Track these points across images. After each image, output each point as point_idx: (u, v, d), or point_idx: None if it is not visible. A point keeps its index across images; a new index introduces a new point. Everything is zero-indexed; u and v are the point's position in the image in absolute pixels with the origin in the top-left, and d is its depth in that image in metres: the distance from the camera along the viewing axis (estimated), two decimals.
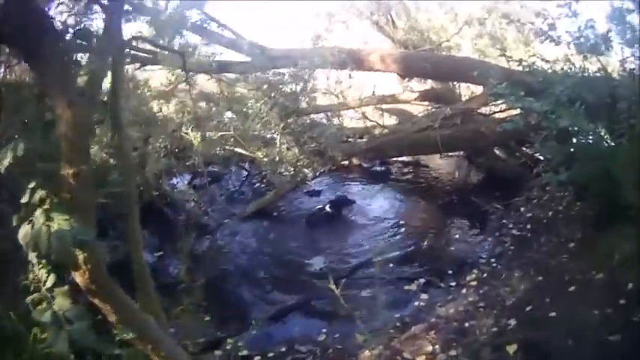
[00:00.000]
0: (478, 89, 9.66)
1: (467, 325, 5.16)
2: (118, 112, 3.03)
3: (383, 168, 11.70)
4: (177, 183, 9.85)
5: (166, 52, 7.41)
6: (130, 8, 6.87)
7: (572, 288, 4.92)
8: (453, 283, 6.40)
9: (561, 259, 5.60)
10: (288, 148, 8.53)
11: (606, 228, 5.51)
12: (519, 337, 4.49)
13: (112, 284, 2.61)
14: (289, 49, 9.67)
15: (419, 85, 11.63)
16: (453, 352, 4.69)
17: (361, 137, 10.87)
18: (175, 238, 7.36)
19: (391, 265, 7.24)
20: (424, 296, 6.11)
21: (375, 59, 9.76)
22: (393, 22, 12.08)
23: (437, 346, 4.87)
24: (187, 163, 9.18)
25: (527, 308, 4.97)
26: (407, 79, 11.03)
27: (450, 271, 6.77)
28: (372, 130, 11.10)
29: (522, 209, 7.51)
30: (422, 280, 6.47)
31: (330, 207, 8.92)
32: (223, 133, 8.84)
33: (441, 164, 11.55)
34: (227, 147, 8.97)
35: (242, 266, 7.61)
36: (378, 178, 11.30)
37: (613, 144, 6.10)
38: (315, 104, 9.88)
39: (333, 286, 4.49)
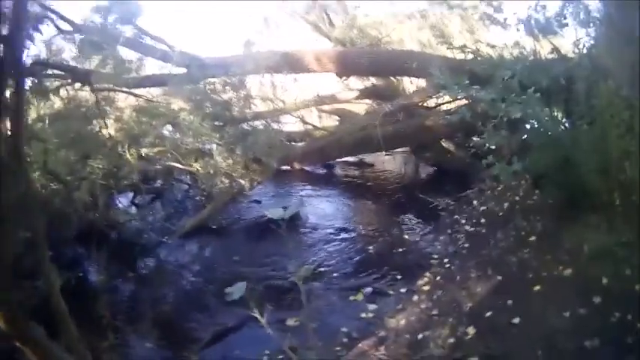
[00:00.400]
0: (423, 83, 9.01)
1: (420, 336, 4.44)
2: (21, 146, 2.93)
3: (326, 170, 11.14)
4: (119, 203, 9.05)
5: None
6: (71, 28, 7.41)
7: (537, 288, 4.21)
8: (404, 290, 5.64)
9: (522, 255, 4.91)
10: (223, 159, 8.00)
11: (571, 219, 4.87)
12: (480, 348, 3.83)
13: (32, 329, 2.64)
14: (223, 57, 8.99)
15: (361, 84, 10.92)
16: None
17: (301, 141, 10.13)
18: (116, 259, 7.00)
19: (335, 274, 6.50)
20: (372, 307, 5.37)
21: (310, 60, 9.14)
22: (329, 20, 11.36)
23: None
24: (126, 182, 8.45)
25: (487, 314, 4.26)
26: (345, 77, 10.29)
27: (400, 277, 6.01)
28: (314, 133, 10.62)
29: (475, 203, 6.88)
30: (369, 289, 5.86)
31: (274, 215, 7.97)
32: (159, 148, 8.35)
33: (387, 162, 10.88)
34: (164, 162, 8.52)
35: (182, 288, 6.69)
36: (322, 181, 10.51)
37: (571, 128, 5.53)
38: (250, 111, 9.23)
39: (257, 314, 3.61)
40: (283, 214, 4.65)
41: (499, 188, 6.95)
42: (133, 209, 9.21)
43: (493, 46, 6.45)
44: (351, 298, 5.69)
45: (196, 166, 8.14)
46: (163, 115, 8.32)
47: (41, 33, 6.67)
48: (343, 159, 11.21)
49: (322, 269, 6.66)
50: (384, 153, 10.89)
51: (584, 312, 3.68)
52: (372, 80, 10.62)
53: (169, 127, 8.55)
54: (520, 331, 3.84)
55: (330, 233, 7.85)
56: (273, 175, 9.30)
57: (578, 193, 4.88)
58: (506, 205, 6.32)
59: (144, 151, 8.21)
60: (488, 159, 5.44)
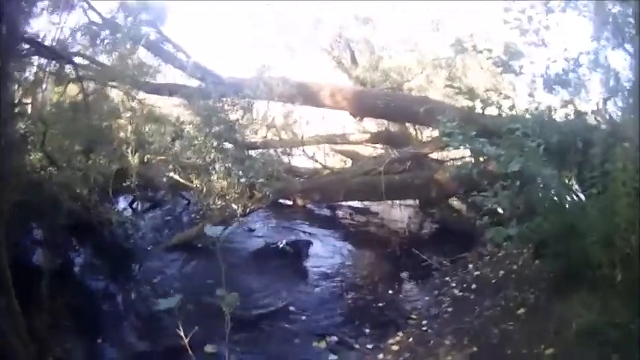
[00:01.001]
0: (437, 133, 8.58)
1: None
2: None
3: (329, 212, 10.55)
4: (117, 203, 9.06)
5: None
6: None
7: None
8: (370, 346, 5.02)
9: (506, 327, 4.24)
10: (220, 180, 7.91)
11: (565, 293, 4.21)
12: None
13: None
14: (237, 77, 8.99)
15: (376, 127, 10.58)
16: None
17: (306, 177, 9.72)
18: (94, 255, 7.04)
19: (304, 316, 5.95)
20: (332, 357, 4.89)
21: (324, 94, 8.90)
22: (353, 57, 11.14)
23: None
24: (126, 184, 8.55)
25: None
26: (359, 118, 9.95)
27: (371, 331, 5.38)
28: (320, 170, 10.17)
29: (470, 267, 6.25)
30: (334, 338, 5.34)
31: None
32: (162, 157, 8.54)
33: (393, 213, 10.28)
34: (166, 172, 8.59)
35: (128, 294, 6.37)
36: (322, 221, 10.00)
37: (582, 196, 4.94)
38: (256, 137, 9.16)
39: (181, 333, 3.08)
40: (219, 232, 4.11)
41: (499, 254, 6.30)
42: (129, 212, 9.04)
43: (507, 97, 5.91)
44: (314, 344, 5.20)
45: (196, 182, 8.10)
46: (171, 124, 8.55)
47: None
48: (349, 204, 10.73)
49: (292, 308, 6.17)
50: (390, 203, 10.52)
51: None
52: (387, 125, 10.23)
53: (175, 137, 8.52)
54: None
55: (313, 274, 7.26)
56: (270, 205, 9.07)
57: (578, 265, 4.27)
58: (501, 272, 5.67)
59: (147, 156, 8.38)
60: (484, 220, 4.86)
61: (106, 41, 7.88)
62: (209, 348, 4.21)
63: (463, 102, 8.33)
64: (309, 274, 7.38)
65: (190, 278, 7.02)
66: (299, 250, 7.72)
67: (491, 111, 6.36)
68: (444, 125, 5.90)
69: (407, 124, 10.28)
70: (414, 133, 10.17)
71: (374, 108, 8.87)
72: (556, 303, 4.27)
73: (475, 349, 4.15)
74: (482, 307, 5.00)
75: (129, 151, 8.27)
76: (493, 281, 5.56)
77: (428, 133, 10.07)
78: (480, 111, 6.47)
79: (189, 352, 3.22)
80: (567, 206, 4.78)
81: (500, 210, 5.11)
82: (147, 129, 8.93)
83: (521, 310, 4.53)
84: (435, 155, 9.29)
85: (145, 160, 8.73)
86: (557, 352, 3.52)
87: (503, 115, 5.80)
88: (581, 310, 3.83)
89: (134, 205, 9.54)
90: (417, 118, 8.76)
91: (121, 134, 8.51)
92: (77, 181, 7.04)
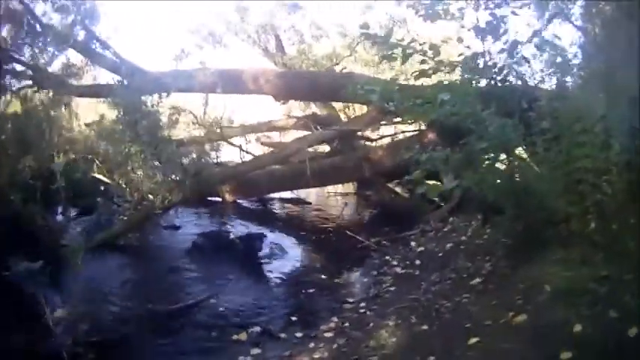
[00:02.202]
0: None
1: None
2: None
3: (259, 205, 9.62)
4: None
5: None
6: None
7: (474, 340, 2.72)
8: (299, 334, 4.17)
9: (460, 300, 3.46)
10: (138, 173, 7.22)
11: (528, 256, 3.49)
12: None
13: None
14: (164, 71, 8.12)
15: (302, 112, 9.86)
16: None
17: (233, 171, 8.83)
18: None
19: (227, 309, 5.01)
20: (255, 350, 3.98)
21: (246, 79, 8.05)
22: (281, 45, 10.36)
23: None
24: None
25: None
26: (283, 101, 9.17)
27: (300, 320, 4.53)
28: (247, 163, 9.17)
29: (413, 244, 5.47)
30: (257, 329, 4.43)
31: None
32: (85, 155, 7.87)
33: (329, 202, 9.60)
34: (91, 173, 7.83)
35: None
36: (253, 215, 9.02)
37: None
38: (182, 133, 8.76)
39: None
40: None
41: (445, 229, 5.59)
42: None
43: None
44: (234, 337, 4.30)
45: (117, 178, 7.39)
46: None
47: None
48: (280, 195, 9.84)
49: (213, 301, 5.20)
50: (326, 193, 9.83)
51: None
52: (313, 108, 9.51)
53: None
54: None
55: (243, 267, 6.27)
56: (199, 203, 8.59)
57: (539, 225, 3.57)
58: (448, 246, 4.94)
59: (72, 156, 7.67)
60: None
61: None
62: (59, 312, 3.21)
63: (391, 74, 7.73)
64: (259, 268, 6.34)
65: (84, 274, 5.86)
66: (252, 243, 6.77)
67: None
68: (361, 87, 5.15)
69: (336, 108, 9.56)
70: (343, 116, 9.39)
71: (297, 89, 8.11)
72: (518, 268, 3.55)
73: (425, 327, 3.29)
74: (429, 282, 4.22)
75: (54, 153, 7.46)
76: (439, 255, 4.80)
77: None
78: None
79: None
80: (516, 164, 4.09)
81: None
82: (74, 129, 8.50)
83: (477, 280, 3.78)
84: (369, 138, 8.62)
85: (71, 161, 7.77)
86: (530, 317, 2.73)
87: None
88: (555, 269, 3.09)
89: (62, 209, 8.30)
90: (342, 96, 8.05)
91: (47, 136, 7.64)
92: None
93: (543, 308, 2.78)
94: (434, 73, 5.03)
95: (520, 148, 4.33)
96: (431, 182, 4.23)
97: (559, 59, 4.73)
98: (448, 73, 4.87)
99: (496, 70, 4.51)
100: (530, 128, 4.05)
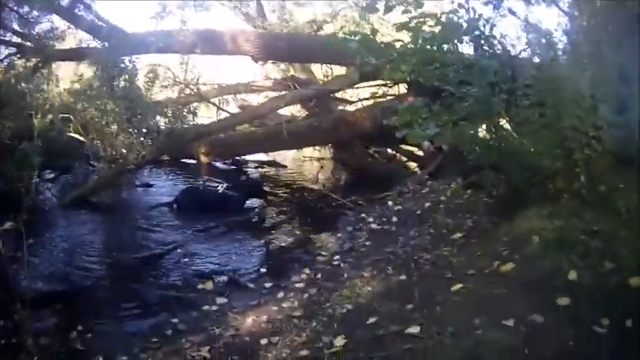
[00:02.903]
0: None
1: (264, 342, 2.83)
2: None
3: (234, 167, 9.32)
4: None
5: None
6: None
7: (458, 286, 2.56)
8: (268, 285, 3.99)
9: (440, 252, 3.30)
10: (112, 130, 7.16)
11: (511, 211, 3.36)
12: None
13: None
14: (144, 32, 8.03)
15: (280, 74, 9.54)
16: None
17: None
18: None
19: (194, 260, 4.98)
20: (221, 300, 3.75)
21: (226, 40, 7.76)
22: (261, 10, 9.97)
23: None
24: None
25: (370, 320, 2.51)
26: (262, 62, 8.86)
27: (269, 270, 4.34)
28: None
29: (390, 203, 5.29)
30: (223, 278, 4.33)
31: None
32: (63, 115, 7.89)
33: (305, 165, 9.39)
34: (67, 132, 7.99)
35: None
36: (229, 176, 8.78)
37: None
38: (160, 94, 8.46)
39: None
40: None
41: (423, 191, 5.43)
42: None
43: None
44: (199, 285, 4.11)
45: (92, 135, 7.42)
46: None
47: None
48: (255, 157, 9.58)
49: (179, 251, 5.19)
50: (302, 158, 9.58)
51: (538, 318, 2.06)
52: (292, 70, 9.23)
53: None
54: (418, 345, 2.14)
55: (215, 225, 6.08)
56: (174, 165, 8.81)
57: (523, 180, 3.46)
58: (427, 205, 4.77)
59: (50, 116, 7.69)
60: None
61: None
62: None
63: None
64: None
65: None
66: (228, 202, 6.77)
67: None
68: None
69: (315, 74, 9.28)
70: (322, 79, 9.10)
71: (276, 50, 7.81)
72: (501, 223, 3.40)
73: (403, 277, 3.12)
74: (407, 237, 4.05)
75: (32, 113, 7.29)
76: (417, 213, 4.64)
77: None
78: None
79: None
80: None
81: None
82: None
83: (458, 235, 3.61)
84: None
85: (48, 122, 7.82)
86: (518, 266, 2.58)
87: None
88: (543, 222, 2.95)
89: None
90: (321, 57, 7.90)
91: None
92: None
93: (532, 258, 2.63)
94: (417, 26, 4.82)
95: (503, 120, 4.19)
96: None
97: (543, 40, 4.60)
98: (431, 27, 4.65)
99: (482, 29, 4.30)
100: (514, 95, 3.91)
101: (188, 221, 6.16)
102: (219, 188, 7.09)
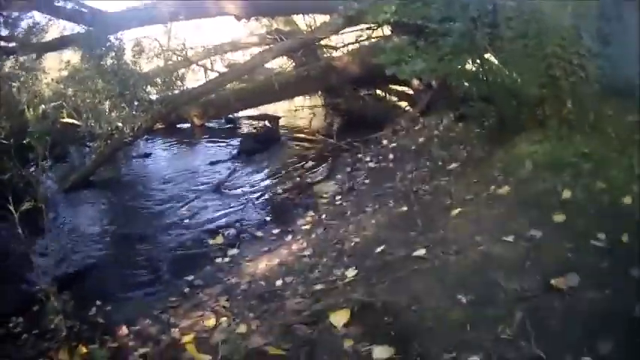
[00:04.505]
0: None
1: (279, 283, 3.00)
2: None
3: (230, 125, 9.59)
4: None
5: None
6: None
7: (457, 211, 2.71)
8: (276, 231, 4.14)
9: (438, 183, 3.44)
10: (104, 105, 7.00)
11: (503, 140, 3.51)
12: (356, 295, 2.28)
13: None
14: (126, 10, 7.77)
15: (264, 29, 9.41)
16: (243, 327, 2.45)
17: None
18: None
19: (189, 218, 5.07)
20: (232, 251, 3.93)
21: (208, 2, 7.59)
22: None
23: (223, 318, 2.70)
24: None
25: (378, 249, 2.68)
26: (245, 20, 8.70)
27: (275, 218, 4.54)
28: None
29: (385, 142, 5.41)
30: (231, 231, 4.45)
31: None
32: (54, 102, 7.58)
33: (298, 115, 9.49)
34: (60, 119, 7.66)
35: None
36: (224, 134, 8.88)
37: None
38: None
39: None
40: None
41: (416, 127, 5.54)
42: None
43: None
44: (210, 241, 4.28)
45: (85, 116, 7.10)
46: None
47: None
48: (247, 113, 9.57)
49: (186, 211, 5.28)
50: (293, 108, 9.67)
51: (537, 233, 2.22)
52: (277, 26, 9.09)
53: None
54: (425, 268, 2.31)
55: (209, 180, 6.30)
56: (168, 131, 8.75)
57: (512, 108, 3.58)
58: (421, 140, 4.89)
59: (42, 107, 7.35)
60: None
61: None
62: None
63: None
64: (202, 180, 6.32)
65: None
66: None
67: None
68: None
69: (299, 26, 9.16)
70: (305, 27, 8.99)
71: (258, 6, 7.66)
72: (497, 152, 3.53)
73: (405, 208, 3.27)
74: (405, 172, 4.19)
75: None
76: (413, 148, 4.76)
77: None
78: None
79: None
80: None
81: None
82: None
83: (454, 165, 3.76)
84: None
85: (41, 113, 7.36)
86: (513, 189, 2.73)
87: None
88: (534, 147, 3.08)
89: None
90: (303, 8, 7.91)
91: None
92: None
93: (527, 181, 2.77)
94: None
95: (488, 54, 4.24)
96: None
97: None
98: None
99: None
100: (497, 28, 3.95)
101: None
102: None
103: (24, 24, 7.79)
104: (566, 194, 2.42)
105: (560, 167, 2.70)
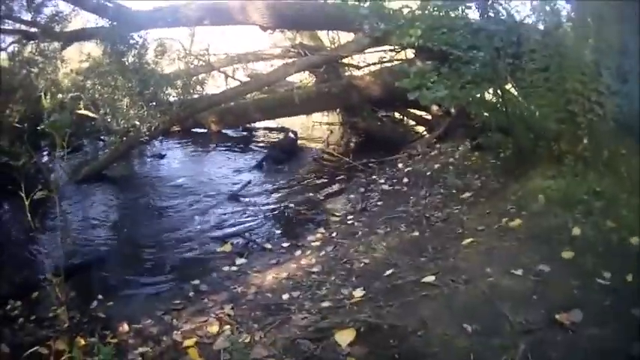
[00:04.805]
0: None
1: (285, 297, 3.00)
2: None
3: (245, 134, 9.65)
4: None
5: None
6: None
7: (468, 240, 2.74)
8: (286, 244, 4.16)
9: (451, 211, 3.48)
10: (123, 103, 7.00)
11: (520, 174, 3.49)
12: (362, 317, 2.30)
13: None
14: (152, 9, 7.73)
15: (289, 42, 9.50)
16: (246, 337, 2.49)
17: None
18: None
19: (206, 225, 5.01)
20: (240, 260, 3.93)
21: (234, 10, 7.71)
22: None
23: (227, 326, 2.74)
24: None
25: (387, 272, 2.74)
26: (270, 31, 8.84)
27: (285, 231, 4.59)
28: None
29: (400, 165, 5.46)
30: (240, 240, 4.45)
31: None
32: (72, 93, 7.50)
33: (315, 132, 9.51)
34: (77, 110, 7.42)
35: None
36: (240, 143, 8.96)
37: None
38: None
39: None
40: None
41: (432, 153, 5.58)
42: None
43: None
44: (218, 249, 4.28)
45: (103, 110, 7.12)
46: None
47: None
48: (264, 124, 9.69)
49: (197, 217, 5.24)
50: (311, 124, 9.77)
51: (545, 268, 2.25)
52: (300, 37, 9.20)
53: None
54: (433, 294, 2.34)
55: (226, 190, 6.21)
56: (185, 134, 8.79)
57: (529, 141, 3.61)
58: (437, 166, 4.93)
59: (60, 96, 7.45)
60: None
61: None
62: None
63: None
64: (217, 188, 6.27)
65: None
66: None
67: None
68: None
69: (323, 41, 9.27)
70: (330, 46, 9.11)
71: (285, 18, 7.75)
72: (511, 184, 3.56)
73: (416, 233, 3.31)
74: (418, 197, 4.23)
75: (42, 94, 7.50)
76: (428, 173, 4.80)
77: None
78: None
79: None
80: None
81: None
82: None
83: (467, 194, 3.79)
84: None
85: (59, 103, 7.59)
86: (525, 223, 2.75)
87: None
88: (548, 182, 3.11)
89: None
90: (328, 24, 7.92)
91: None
92: None
93: (539, 215, 2.80)
94: None
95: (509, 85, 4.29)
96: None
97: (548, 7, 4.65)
98: None
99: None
100: (519, 60, 4.01)
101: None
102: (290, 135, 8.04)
103: (47, 11, 7.77)
104: (576, 231, 2.46)
105: (572, 204, 2.73)
